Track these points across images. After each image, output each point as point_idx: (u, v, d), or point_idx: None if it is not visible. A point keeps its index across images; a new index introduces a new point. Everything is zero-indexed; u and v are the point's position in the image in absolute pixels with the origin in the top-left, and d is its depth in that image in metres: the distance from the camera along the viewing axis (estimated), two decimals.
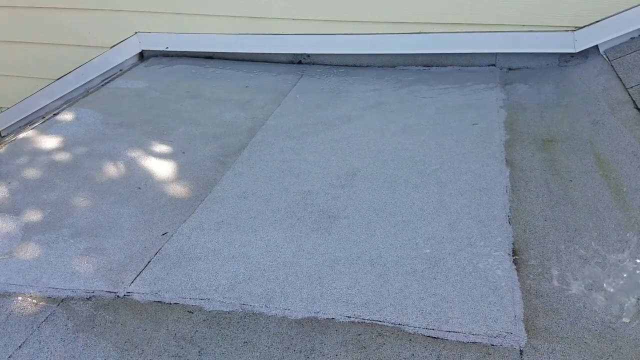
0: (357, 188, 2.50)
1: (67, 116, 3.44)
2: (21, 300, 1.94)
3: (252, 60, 4.17)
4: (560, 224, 2.16)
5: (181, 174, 2.72)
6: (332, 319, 1.78)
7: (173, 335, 1.76)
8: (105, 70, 4.24)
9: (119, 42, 4.24)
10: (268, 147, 2.92)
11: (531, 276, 1.90)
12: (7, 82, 4.74)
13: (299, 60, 4.12)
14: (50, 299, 1.94)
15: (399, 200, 2.38)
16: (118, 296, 1.93)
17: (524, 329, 1.69)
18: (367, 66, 3.99)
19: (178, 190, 2.58)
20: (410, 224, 2.23)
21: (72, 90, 4.32)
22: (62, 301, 1.92)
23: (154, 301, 1.90)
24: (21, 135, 3.26)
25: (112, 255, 2.15)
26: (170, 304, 1.88)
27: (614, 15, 3.38)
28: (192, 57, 4.28)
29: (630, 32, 3.37)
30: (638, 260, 1.93)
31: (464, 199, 2.36)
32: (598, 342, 1.64)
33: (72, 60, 4.31)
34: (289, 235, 2.21)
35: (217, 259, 2.09)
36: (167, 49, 4.27)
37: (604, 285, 1.85)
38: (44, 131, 3.25)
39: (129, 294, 1.94)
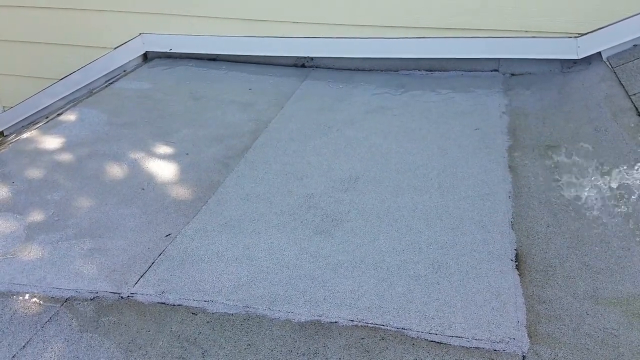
0: (360, 192, 2.51)
1: (70, 116, 3.45)
2: (25, 300, 1.94)
3: (256, 63, 4.18)
4: (562, 230, 2.17)
5: (184, 176, 2.72)
6: (336, 322, 1.79)
7: (177, 336, 1.76)
8: (109, 71, 4.25)
9: (123, 43, 4.26)
10: (271, 150, 2.92)
11: (534, 282, 1.91)
12: (11, 81, 4.75)
13: (302, 64, 4.13)
14: (54, 299, 1.94)
15: (402, 205, 2.39)
16: (122, 297, 1.94)
17: (526, 334, 1.70)
18: (370, 70, 4.00)
19: (181, 191, 2.59)
20: (413, 228, 2.24)
21: (76, 91, 4.34)
22: (65, 301, 1.93)
23: (158, 302, 1.91)
24: (25, 135, 3.26)
25: (115, 256, 2.15)
26: (174, 305, 1.89)
27: (617, 22, 3.39)
28: (195, 58, 4.29)
29: (633, 39, 3.38)
30: None
31: (467, 204, 2.37)
32: (600, 348, 1.64)
33: (76, 60, 4.32)
34: (292, 238, 2.22)
35: (221, 261, 2.10)
36: (171, 51, 4.28)
37: (607, 291, 1.86)
38: (48, 131, 3.26)
39: (132, 295, 1.94)
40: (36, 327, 1.82)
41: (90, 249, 2.20)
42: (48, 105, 4.44)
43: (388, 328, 1.75)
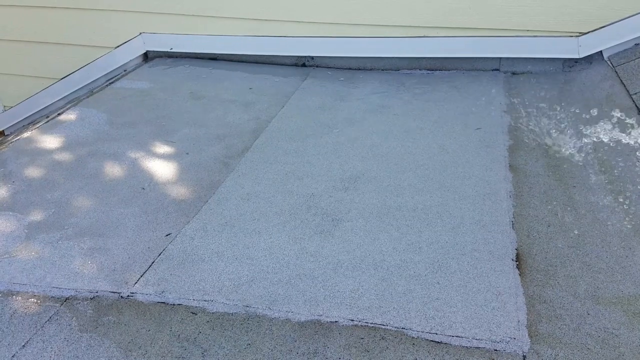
0: (361, 191, 2.50)
1: (71, 116, 3.45)
2: (25, 300, 1.94)
3: (256, 62, 4.18)
4: (563, 229, 2.17)
5: (185, 175, 2.72)
6: (336, 322, 1.78)
7: (176, 336, 1.76)
8: (109, 71, 4.25)
9: (124, 43, 4.26)
10: (272, 149, 2.92)
11: (534, 282, 1.91)
12: (11, 80, 4.76)
13: (303, 63, 4.12)
14: (53, 299, 1.94)
15: (403, 204, 2.39)
16: (122, 296, 1.94)
17: (527, 334, 1.69)
18: (370, 69, 4.00)
19: (182, 191, 2.59)
20: (413, 227, 2.23)
21: (76, 90, 4.34)
22: (65, 301, 1.93)
23: (158, 302, 1.90)
24: (25, 135, 3.26)
25: (115, 255, 2.15)
26: (174, 305, 1.89)
27: (618, 21, 3.38)
28: (196, 58, 4.29)
29: (635, 38, 3.37)
30: None
31: (467, 204, 2.36)
32: (601, 348, 1.64)
33: (76, 60, 4.33)
34: (292, 237, 2.21)
35: (221, 261, 2.09)
36: (172, 50, 4.28)
37: (608, 291, 1.85)
38: (48, 131, 3.26)
39: (132, 295, 1.94)
40: (36, 327, 1.82)
41: (90, 249, 2.20)
42: (48, 105, 4.45)
43: (388, 328, 1.75)
